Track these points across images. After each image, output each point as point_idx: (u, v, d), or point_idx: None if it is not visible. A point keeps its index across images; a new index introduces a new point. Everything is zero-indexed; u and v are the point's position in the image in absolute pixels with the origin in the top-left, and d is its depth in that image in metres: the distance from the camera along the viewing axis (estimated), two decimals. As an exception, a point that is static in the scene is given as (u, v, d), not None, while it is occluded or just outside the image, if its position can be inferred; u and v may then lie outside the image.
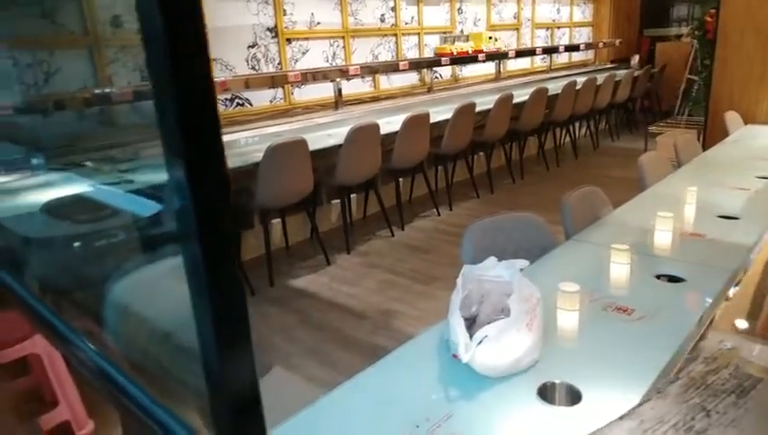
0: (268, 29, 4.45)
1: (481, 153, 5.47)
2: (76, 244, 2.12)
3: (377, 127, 3.90)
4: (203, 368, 0.58)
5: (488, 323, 1.23)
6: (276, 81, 4.36)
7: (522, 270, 1.33)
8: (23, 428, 2.12)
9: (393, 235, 4.30)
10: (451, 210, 4.81)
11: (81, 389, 2.22)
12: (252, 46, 4.40)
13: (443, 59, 5.41)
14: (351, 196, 4.34)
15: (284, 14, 4.51)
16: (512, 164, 5.65)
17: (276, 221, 4.12)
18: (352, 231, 4.27)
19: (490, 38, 5.99)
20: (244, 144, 3.95)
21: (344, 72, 4.67)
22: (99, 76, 3.59)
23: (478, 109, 4.76)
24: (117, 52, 3.74)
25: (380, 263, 3.81)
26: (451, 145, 4.64)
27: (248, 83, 4.18)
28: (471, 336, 1.14)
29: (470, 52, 5.62)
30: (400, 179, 4.72)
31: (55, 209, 2.25)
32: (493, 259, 1.34)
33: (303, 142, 3.49)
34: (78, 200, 2.46)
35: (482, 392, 1.14)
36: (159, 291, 1.50)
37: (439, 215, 4.70)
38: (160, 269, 1.55)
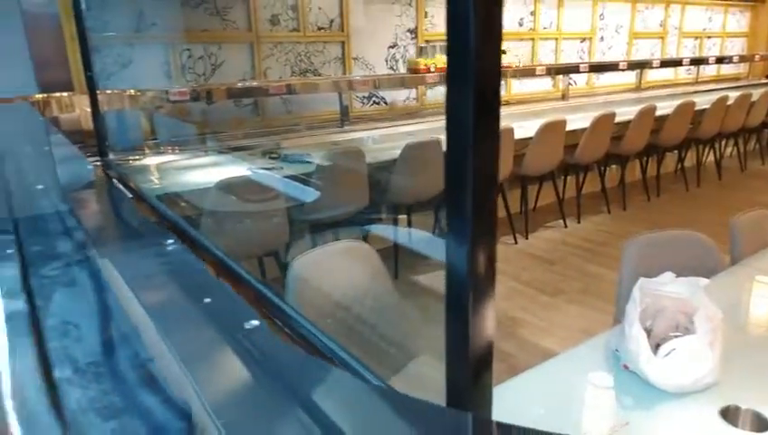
0: (408, 30, 4.58)
1: (614, 166, 5.22)
2: (249, 220, 2.34)
3: (511, 132, 3.86)
4: (450, 328, 0.62)
5: (663, 338, 1.20)
6: (412, 81, 4.46)
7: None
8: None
9: (516, 242, 4.24)
10: (579, 223, 4.64)
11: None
12: (392, 47, 4.54)
13: (581, 65, 5.23)
14: (476, 199, 4.33)
15: (426, 17, 4.61)
16: (647, 180, 5.33)
17: (402, 217, 4.22)
18: (475, 234, 4.26)
19: None
20: (379, 141, 4.08)
21: (479, 76, 4.67)
22: (256, 69, 3.89)
23: (616, 119, 4.56)
24: (272, 48, 4.04)
25: (504, 269, 3.78)
26: (585, 155, 4.48)
27: (385, 83, 4.32)
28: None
29: None
30: (528, 186, 4.64)
31: (227, 187, 2.50)
32: (670, 274, 1.29)
33: (438, 143, 3.55)
34: (247, 181, 2.70)
35: (658, 405, 1.11)
36: (336, 267, 1.62)
37: (566, 226, 4.55)
38: (333, 248, 1.68)
